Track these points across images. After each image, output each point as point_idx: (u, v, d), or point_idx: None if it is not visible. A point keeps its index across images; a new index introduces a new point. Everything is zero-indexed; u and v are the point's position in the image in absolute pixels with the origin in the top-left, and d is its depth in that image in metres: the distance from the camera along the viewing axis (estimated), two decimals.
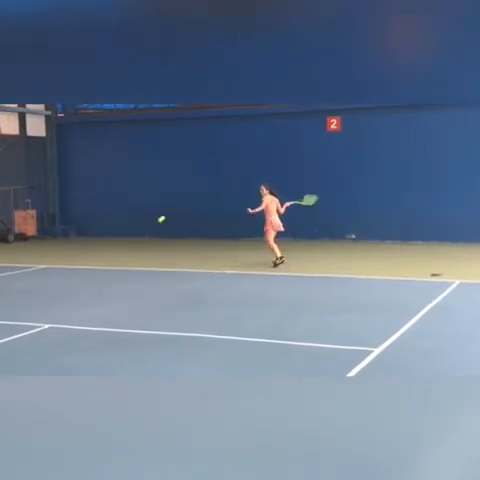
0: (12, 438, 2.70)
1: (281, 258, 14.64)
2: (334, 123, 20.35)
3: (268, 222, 14.84)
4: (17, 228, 22.44)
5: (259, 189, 14.96)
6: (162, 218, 15.04)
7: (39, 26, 2.55)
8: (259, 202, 14.86)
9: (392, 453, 2.58)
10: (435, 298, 10.86)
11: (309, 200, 15.41)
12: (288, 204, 14.89)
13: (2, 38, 2.56)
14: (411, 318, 9.46)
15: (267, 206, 14.76)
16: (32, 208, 23.02)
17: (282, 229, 14.81)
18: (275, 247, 14.71)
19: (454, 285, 12.07)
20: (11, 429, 2.78)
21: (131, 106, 23.14)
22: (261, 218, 14.97)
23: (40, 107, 23.63)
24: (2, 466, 2.52)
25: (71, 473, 2.48)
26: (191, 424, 2.81)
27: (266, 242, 14.85)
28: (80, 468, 2.50)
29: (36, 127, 23.61)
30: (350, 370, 7.06)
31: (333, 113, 20.19)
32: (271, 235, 14.77)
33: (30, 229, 22.74)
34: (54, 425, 2.81)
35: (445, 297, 11.06)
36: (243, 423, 2.81)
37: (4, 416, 2.89)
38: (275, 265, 14.57)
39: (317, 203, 15.55)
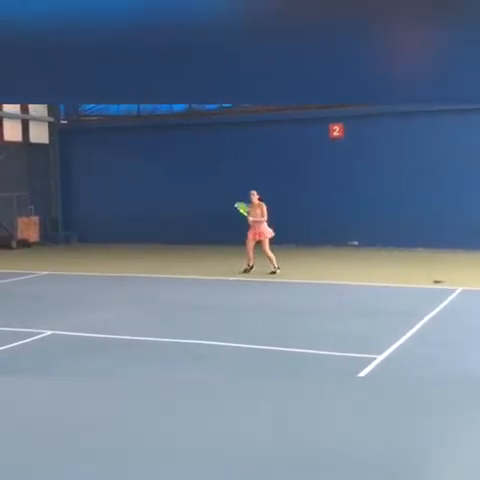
0: (11, 438, 2.70)
1: (252, 267, 14.71)
2: (337, 130, 20.38)
3: (265, 229, 14.68)
4: (20, 234, 22.46)
5: (250, 195, 14.77)
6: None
7: (42, 26, 2.56)
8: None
9: (395, 455, 2.58)
10: (438, 305, 10.84)
11: (242, 207, 14.92)
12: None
13: (5, 38, 2.57)
14: (414, 325, 9.45)
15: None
16: (35, 214, 23.05)
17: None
18: (251, 253, 14.66)
19: (456, 292, 12.06)
20: (10, 429, 2.78)
21: (133, 113, 23.20)
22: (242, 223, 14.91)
23: (43, 114, 23.70)
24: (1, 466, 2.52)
25: (70, 473, 2.48)
26: (195, 425, 2.80)
27: (266, 252, 14.65)
28: (79, 468, 2.50)
29: (39, 134, 23.66)
30: (354, 377, 7.05)
31: (336, 120, 20.22)
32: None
33: (33, 235, 22.76)
34: (53, 425, 2.82)
35: (447, 304, 11.05)
36: (243, 424, 2.81)
37: (4, 416, 2.89)
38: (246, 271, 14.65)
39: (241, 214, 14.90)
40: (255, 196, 14.79)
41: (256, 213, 14.64)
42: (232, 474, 2.46)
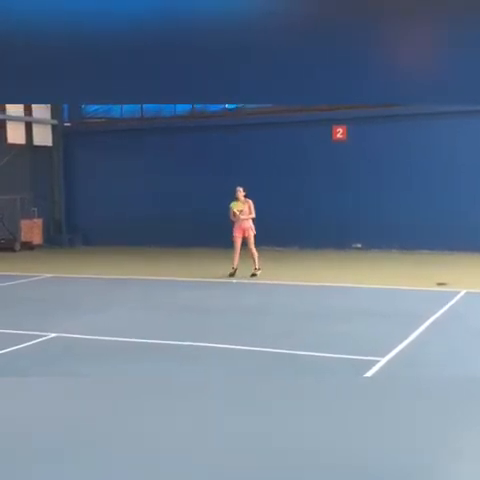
0: (11, 438, 2.71)
1: (235, 270, 14.46)
2: (340, 132, 20.37)
3: (250, 227, 14.47)
4: (23, 237, 22.47)
5: (236, 191, 14.53)
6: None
7: (44, 26, 2.56)
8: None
9: (395, 455, 2.57)
10: (441, 307, 10.83)
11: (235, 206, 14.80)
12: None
13: (6, 38, 2.58)
14: (418, 327, 9.44)
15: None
16: (38, 217, 23.07)
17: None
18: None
19: (460, 294, 12.04)
20: (10, 429, 2.78)
21: (137, 115, 23.22)
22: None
23: (46, 116, 23.73)
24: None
25: (69, 472, 2.48)
26: (199, 426, 2.80)
27: (251, 249, 14.43)
28: (79, 468, 2.51)
29: (42, 136, 23.69)
30: (357, 379, 7.03)
31: (339, 122, 20.22)
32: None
33: (36, 238, 22.78)
34: (53, 424, 2.82)
35: (451, 306, 11.03)
36: (248, 425, 2.81)
37: (7, 417, 2.90)
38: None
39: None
40: (241, 193, 14.62)
41: (244, 210, 14.46)
42: (232, 475, 2.46)
